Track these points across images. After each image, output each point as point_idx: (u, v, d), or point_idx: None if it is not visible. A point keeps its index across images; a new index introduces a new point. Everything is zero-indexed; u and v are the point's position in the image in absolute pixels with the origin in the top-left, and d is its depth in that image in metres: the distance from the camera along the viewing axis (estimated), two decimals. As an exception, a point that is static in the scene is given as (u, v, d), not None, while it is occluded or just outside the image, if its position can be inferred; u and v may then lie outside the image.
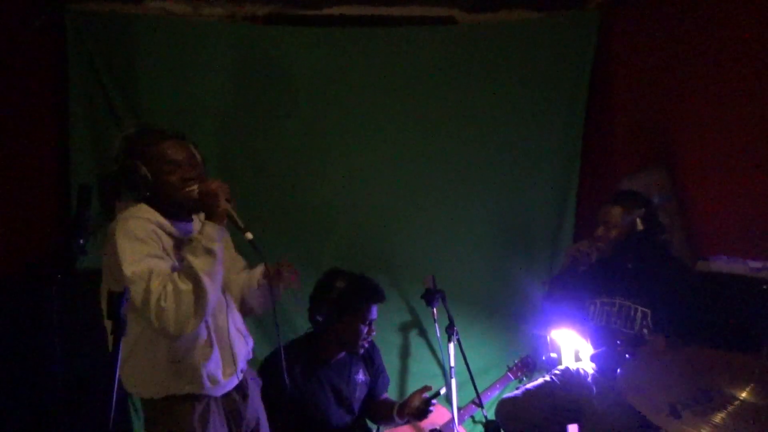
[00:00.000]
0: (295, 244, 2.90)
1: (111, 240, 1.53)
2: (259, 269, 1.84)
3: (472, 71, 3.04)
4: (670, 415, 1.38)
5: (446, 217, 3.05)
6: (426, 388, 2.37)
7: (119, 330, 1.33)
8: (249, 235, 1.61)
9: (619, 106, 3.06)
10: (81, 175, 2.59)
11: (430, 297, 2.58)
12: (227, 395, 1.77)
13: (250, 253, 1.69)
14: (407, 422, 2.92)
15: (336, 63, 2.94)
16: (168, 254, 1.60)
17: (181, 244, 1.64)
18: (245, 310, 1.88)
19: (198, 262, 1.52)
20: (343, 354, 2.37)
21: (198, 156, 1.74)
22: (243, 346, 1.81)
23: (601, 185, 3.12)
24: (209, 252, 1.54)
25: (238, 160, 2.84)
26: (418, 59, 3.01)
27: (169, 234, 1.64)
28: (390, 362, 2.82)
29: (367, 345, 2.33)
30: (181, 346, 1.62)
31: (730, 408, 1.38)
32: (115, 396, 1.32)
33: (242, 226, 1.63)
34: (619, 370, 1.66)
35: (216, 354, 1.69)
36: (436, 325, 2.61)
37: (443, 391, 2.36)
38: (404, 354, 3.03)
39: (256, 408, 1.89)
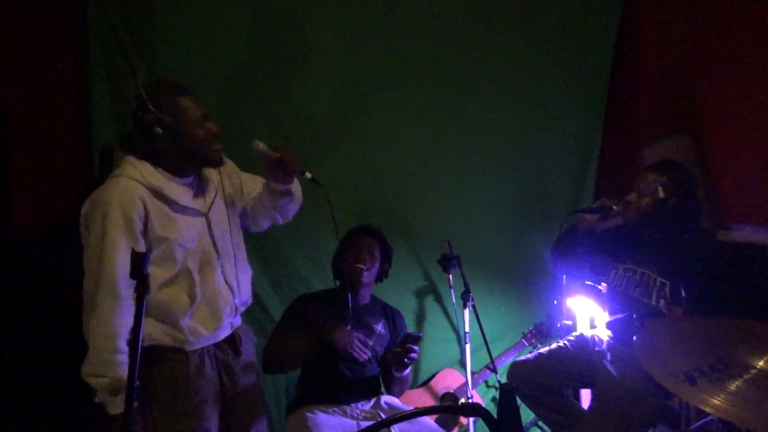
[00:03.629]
0: (310, 209, 2.89)
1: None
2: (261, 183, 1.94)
3: (495, 33, 2.97)
4: (686, 382, 1.38)
5: (464, 183, 3.02)
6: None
7: (143, 289, 1.36)
8: (308, 174, 1.87)
9: (645, 71, 2.98)
10: (103, 138, 2.60)
11: (446, 263, 2.56)
12: (219, 347, 1.78)
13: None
14: (420, 386, 2.98)
15: (355, 20, 2.84)
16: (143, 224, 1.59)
17: (174, 207, 1.65)
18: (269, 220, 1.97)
19: None
20: (362, 302, 2.46)
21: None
22: (231, 298, 1.80)
23: (624, 152, 3.07)
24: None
25: (255, 118, 2.80)
26: (440, 18, 2.92)
27: (163, 197, 1.63)
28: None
29: (365, 272, 2.40)
30: (161, 298, 1.63)
31: (746, 376, 1.36)
32: (139, 351, 1.36)
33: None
34: (635, 338, 1.66)
35: (199, 307, 1.70)
36: (452, 290, 2.62)
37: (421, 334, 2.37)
38: (420, 319, 3.05)
39: (249, 365, 1.89)
